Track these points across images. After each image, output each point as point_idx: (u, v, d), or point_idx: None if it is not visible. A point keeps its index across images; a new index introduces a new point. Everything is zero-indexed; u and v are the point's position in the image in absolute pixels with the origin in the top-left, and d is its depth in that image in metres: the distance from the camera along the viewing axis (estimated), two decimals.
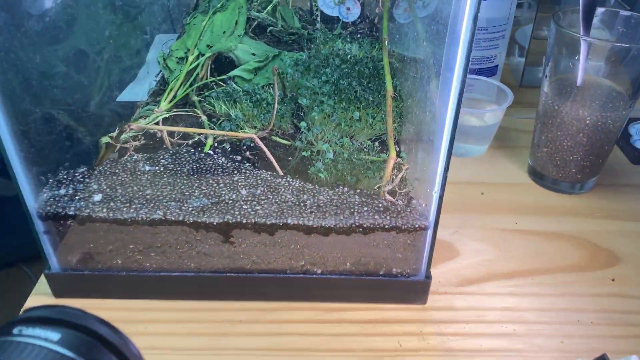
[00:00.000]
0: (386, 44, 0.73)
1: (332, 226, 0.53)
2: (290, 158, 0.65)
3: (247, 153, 0.65)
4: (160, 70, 0.84)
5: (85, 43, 0.78)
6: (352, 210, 0.54)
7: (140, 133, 0.68)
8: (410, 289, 0.57)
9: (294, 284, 0.57)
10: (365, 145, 0.66)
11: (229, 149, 0.65)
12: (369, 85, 0.74)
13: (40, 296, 0.58)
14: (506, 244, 0.66)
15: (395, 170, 0.59)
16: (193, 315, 0.57)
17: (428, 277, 0.56)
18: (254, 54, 0.86)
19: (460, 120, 0.46)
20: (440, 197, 0.50)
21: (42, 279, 0.59)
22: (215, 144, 0.64)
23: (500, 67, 0.90)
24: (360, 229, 0.53)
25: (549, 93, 0.71)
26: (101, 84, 0.80)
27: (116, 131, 0.57)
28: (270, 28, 0.95)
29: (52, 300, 0.57)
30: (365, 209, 0.54)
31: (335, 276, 0.56)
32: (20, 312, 0.25)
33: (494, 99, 0.83)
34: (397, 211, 0.54)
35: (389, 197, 0.56)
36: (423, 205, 0.53)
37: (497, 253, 0.65)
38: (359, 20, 1.00)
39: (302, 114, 0.73)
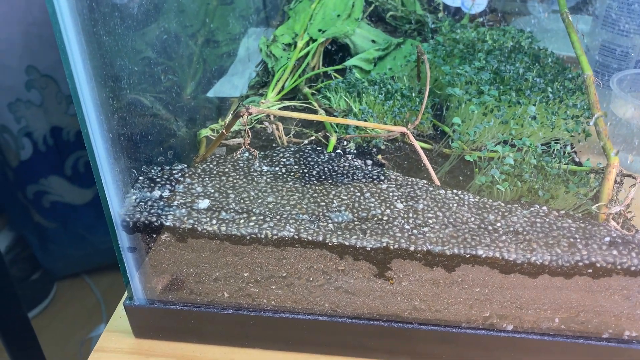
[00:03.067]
0: (569, 17, 0.55)
1: (547, 263, 0.35)
2: (434, 166, 0.48)
3: (380, 157, 0.49)
4: (262, 60, 0.70)
5: (179, 28, 0.64)
6: (571, 240, 0.36)
7: (244, 129, 0.53)
8: None
9: (471, 343, 0.39)
10: (553, 149, 0.48)
11: (355, 151, 0.49)
12: (543, 73, 0.56)
13: (116, 334, 0.43)
14: None
15: (617, 186, 0.41)
16: None
17: None
18: (373, 42, 0.71)
19: None
20: None
21: (119, 310, 0.44)
22: (337, 144, 0.49)
23: None
24: (590, 270, 0.35)
25: None
26: (194, 75, 0.66)
27: (228, 116, 0.41)
28: (390, 13, 0.80)
29: (130, 341, 0.42)
30: (595, 239, 0.36)
31: (534, 336, 0.38)
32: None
33: None
34: (635, 244, 0.35)
35: (614, 223, 0.38)
36: None
37: None
38: (486, 11, 0.83)
39: (444, 111, 0.56)
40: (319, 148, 0.47)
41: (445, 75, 0.56)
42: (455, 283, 0.37)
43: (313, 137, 0.51)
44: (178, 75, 0.62)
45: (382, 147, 0.51)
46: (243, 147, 0.43)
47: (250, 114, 0.42)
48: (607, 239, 0.36)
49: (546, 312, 0.37)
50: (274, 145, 0.49)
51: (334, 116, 0.55)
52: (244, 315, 0.40)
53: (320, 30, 0.69)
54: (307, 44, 0.67)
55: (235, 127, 0.54)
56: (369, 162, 0.46)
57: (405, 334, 0.39)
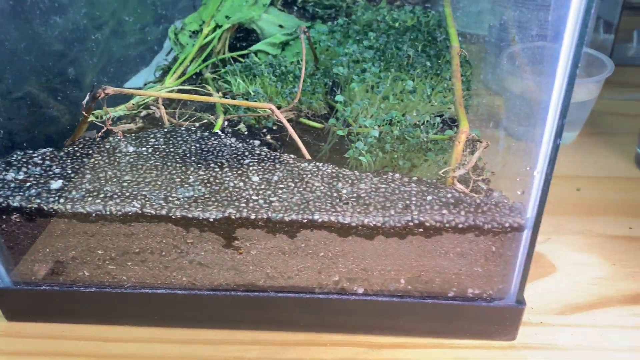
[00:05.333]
0: None
1: (380, 225, 0.36)
2: (323, 144, 0.49)
3: (268, 137, 0.50)
4: (172, 48, 0.70)
5: (86, 18, 0.64)
6: (407, 202, 0.37)
7: (139, 115, 0.54)
8: (494, 318, 0.39)
9: (325, 309, 0.40)
10: (422, 121, 0.49)
11: (246, 132, 0.50)
12: (426, 50, 0.57)
13: None
14: (621, 257, 0.48)
15: (468, 150, 0.42)
16: (186, 349, 0.41)
17: (520, 301, 0.39)
18: (281, 26, 0.71)
19: (530, 95, 0.30)
20: (547, 180, 0.33)
21: None
22: (229, 127, 0.50)
23: (589, 35, 0.72)
24: (421, 229, 0.36)
25: None
26: (96, 65, 0.66)
27: (87, 97, 0.42)
28: None
29: (3, 325, 0.43)
30: (429, 200, 0.37)
31: (384, 298, 0.39)
32: None
33: (584, 72, 0.64)
34: (475, 205, 0.37)
35: (459, 185, 0.39)
36: (519, 192, 0.36)
37: (610, 268, 0.47)
38: None
39: (339, 90, 0.57)
40: (192, 128, 0.48)
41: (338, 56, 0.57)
42: (299, 249, 0.38)
43: (205, 120, 0.52)
44: (80, 64, 0.63)
45: (274, 127, 0.52)
46: (105, 128, 0.44)
47: (107, 94, 0.43)
48: (439, 198, 0.37)
49: (390, 274, 0.39)
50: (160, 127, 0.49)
51: (227, 99, 0.56)
52: (107, 293, 0.41)
53: (226, 17, 0.69)
54: (214, 30, 0.68)
55: (122, 113, 0.55)
56: (255, 143, 0.46)
57: (262, 302, 0.40)
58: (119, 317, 0.42)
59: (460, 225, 0.36)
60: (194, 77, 0.61)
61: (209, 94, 0.57)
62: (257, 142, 0.47)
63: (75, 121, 0.53)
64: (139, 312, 0.42)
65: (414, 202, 0.37)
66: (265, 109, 0.49)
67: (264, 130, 0.51)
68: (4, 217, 0.39)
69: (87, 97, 0.42)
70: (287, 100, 0.55)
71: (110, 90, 0.42)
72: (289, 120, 0.54)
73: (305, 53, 0.66)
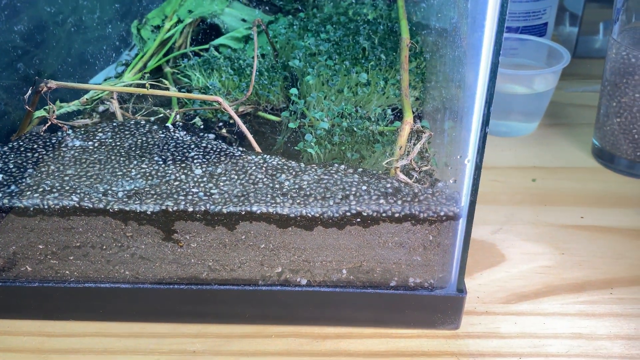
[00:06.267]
0: None
1: (319, 215, 0.36)
2: (279, 137, 0.49)
3: (224, 131, 0.50)
4: (134, 43, 0.70)
5: (47, 14, 0.64)
6: (346, 192, 0.37)
7: (97, 110, 0.53)
8: (436, 307, 0.39)
9: (269, 300, 0.40)
10: (374, 113, 0.49)
11: (202, 125, 0.50)
12: (382, 43, 0.57)
13: None
14: (570, 246, 0.48)
15: (413, 141, 0.42)
16: (129, 343, 0.41)
17: (461, 290, 0.39)
18: (244, 20, 0.71)
19: (501, 88, 0.30)
20: (478, 168, 0.33)
21: None
22: (184, 121, 0.50)
23: (550, 25, 0.72)
24: (359, 219, 0.36)
25: (621, 42, 0.53)
26: (56, 62, 0.66)
27: (29, 91, 0.42)
28: None
29: None
30: (365, 189, 0.37)
31: (326, 289, 0.39)
32: None
33: (544, 63, 0.65)
34: (412, 193, 0.37)
35: (402, 175, 0.39)
36: (451, 181, 0.36)
37: (559, 257, 0.47)
38: None
39: (297, 83, 0.57)
40: (142, 122, 0.47)
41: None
42: (240, 241, 0.38)
43: (161, 115, 0.51)
44: (40, 61, 0.62)
45: (231, 120, 0.51)
46: (49, 122, 0.43)
47: (49, 88, 0.42)
48: (378, 189, 0.37)
49: (332, 264, 0.39)
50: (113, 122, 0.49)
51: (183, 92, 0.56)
52: (50, 287, 0.40)
53: (189, 11, 0.69)
54: (176, 25, 0.68)
55: (76, 107, 0.54)
56: (211, 135, 0.46)
57: (206, 295, 0.40)
58: (62, 312, 0.42)
59: (396, 215, 0.36)
60: (154, 72, 0.61)
61: (167, 89, 0.56)
62: (212, 136, 0.47)
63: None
64: (83, 306, 0.41)
65: (353, 192, 0.37)
66: (208, 100, 0.49)
67: (220, 123, 0.51)
68: None
69: (29, 91, 0.42)
70: (244, 94, 0.55)
71: (54, 84, 0.42)
72: (247, 114, 0.54)
73: (260, 46, 0.66)
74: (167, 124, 0.47)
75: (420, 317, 0.40)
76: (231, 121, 0.51)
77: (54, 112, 0.43)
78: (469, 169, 0.33)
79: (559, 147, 0.62)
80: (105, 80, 0.62)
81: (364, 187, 0.37)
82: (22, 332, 0.41)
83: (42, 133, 0.44)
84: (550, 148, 0.61)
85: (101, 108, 0.54)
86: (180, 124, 0.49)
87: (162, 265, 0.40)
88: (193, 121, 0.51)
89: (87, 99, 0.55)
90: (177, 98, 0.53)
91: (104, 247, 0.39)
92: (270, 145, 0.48)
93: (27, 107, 0.43)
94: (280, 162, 0.41)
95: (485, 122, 0.31)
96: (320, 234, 0.37)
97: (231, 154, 0.43)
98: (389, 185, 0.38)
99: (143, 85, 0.57)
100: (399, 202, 0.36)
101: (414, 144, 0.41)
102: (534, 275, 0.46)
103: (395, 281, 0.39)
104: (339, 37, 0.58)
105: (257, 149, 0.45)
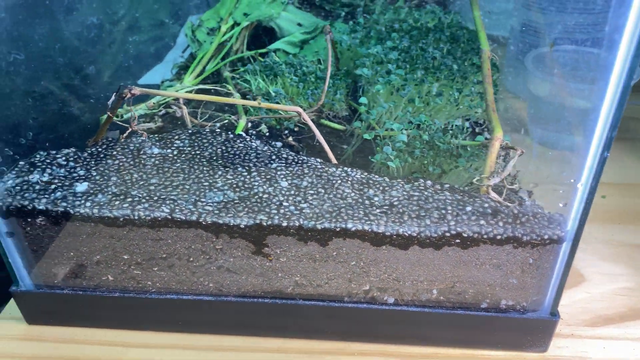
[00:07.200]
0: None
1: (416, 235, 0.35)
2: (345, 146, 0.49)
3: (290, 139, 0.49)
4: (188, 45, 0.69)
5: (101, 13, 0.63)
6: (443, 212, 0.36)
7: (158, 114, 0.53)
8: (527, 330, 0.38)
9: (355, 318, 0.39)
10: (451, 125, 0.48)
11: (267, 133, 0.49)
12: (451, 52, 0.56)
13: (9, 321, 0.43)
14: None
15: (501, 158, 0.41)
16: (209, 356, 0.40)
17: (554, 314, 0.38)
18: (300, 25, 0.70)
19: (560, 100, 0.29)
20: (591, 193, 0.32)
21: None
22: (250, 129, 0.49)
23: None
24: (459, 240, 0.35)
25: None
26: (112, 61, 0.65)
27: (112, 97, 0.41)
28: None
29: (22, 328, 0.42)
30: (466, 210, 0.36)
31: (415, 309, 0.39)
32: None
33: None
34: (513, 215, 0.36)
35: (494, 194, 0.38)
36: (560, 204, 0.35)
37: (639, 278, 0.46)
38: None
39: (361, 92, 0.56)
40: (217, 130, 0.46)
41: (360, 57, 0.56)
42: (330, 257, 0.37)
43: (226, 121, 0.51)
44: (97, 62, 0.61)
45: (296, 129, 0.51)
46: (130, 128, 0.43)
47: (133, 94, 0.42)
48: (476, 209, 0.36)
49: (423, 284, 0.38)
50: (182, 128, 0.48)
51: (247, 99, 0.55)
52: (130, 298, 0.40)
53: (245, 14, 0.68)
54: (232, 28, 0.67)
55: (143, 112, 0.54)
56: (277, 144, 0.45)
57: (289, 310, 0.39)
58: (141, 322, 0.41)
59: (498, 237, 0.35)
60: (212, 75, 0.60)
61: (230, 94, 0.56)
62: (279, 144, 0.46)
63: (93, 119, 0.52)
64: (163, 317, 0.41)
65: (449, 211, 0.36)
66: (288, 110, 0.48)
67: (286, 131, 0.50)
68: (29, 219, 0.38)
69: (113, 97, 0.41)
70: (309, 102, 0.54)
71: (137, 90, 0.41)
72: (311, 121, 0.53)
73: (316, 51, 0.65)
74: (240, 132, 0.46)
75: (510, 339, 0.39)
76: (295, 129, 0.51)
77: (134, 118, 0.42)
78: (580, 193, 0.32)
79: (624, 163, 0.60)
80: (162, 82, 0.62)
81: (467, 208, 0.36)
82: (101, 342, 0.41)
83: (121, 139, 0.44)
84: (617, 163, 0.60)
85: (162, 112, 0.53)
86: (253, 132, 0.48)
87: (248, 278, 0.39)
88: (259, 128, 0.50)
89: (154, 103, 0.54)
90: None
91: (191, 258, 0.38)
92: (336, 155, 0.47)
93: (108, 112, 0.42)
94: (363, 176, 0.40)
95: (607, 146, 0.30)
96: (415, 254, 0.36)
97: (313, 166, 0.42)
98: (486, 205, 0.37)
99: (207, 90, 0.57)
100: (500, 223, 0.35)
101: (504, 161, 0.40)
102: (616, 297, 0.44)
103: (487, 303, 0.38)
104: (406, 46, 0.57)
105: (334, 160, 0.44)
